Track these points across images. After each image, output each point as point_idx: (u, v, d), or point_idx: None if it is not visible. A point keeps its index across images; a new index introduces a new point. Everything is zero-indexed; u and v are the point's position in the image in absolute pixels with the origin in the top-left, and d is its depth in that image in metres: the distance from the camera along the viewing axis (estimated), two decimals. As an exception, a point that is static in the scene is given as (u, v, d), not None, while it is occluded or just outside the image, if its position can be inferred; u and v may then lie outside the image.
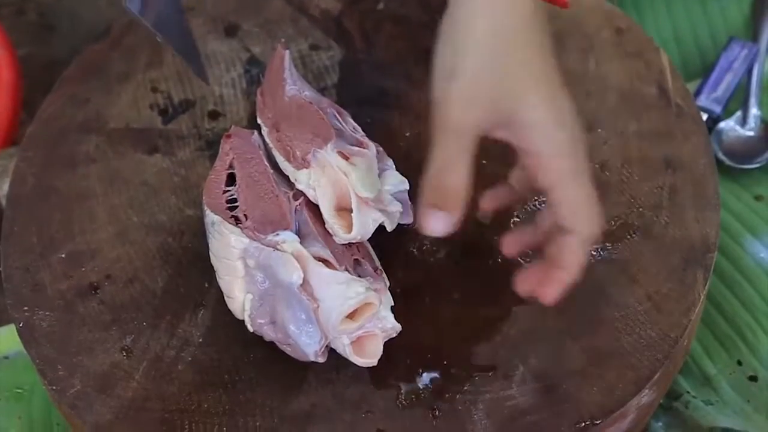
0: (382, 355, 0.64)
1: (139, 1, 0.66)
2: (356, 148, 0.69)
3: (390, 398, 0.65)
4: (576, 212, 0.58)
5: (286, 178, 0.70)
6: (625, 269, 0.70)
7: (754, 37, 0.97)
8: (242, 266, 0.66)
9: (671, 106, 0.78)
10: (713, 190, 0.73)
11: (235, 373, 0.67)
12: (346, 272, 0.65)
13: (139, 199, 0.76)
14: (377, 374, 0.66)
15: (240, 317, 0.67)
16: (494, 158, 0.76)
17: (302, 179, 0.68)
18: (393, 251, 0.70)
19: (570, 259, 0.59)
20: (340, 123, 0.72)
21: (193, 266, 0.71)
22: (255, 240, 0.66)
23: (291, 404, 0.65)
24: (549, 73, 0.58)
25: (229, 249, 0.66)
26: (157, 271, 0.72)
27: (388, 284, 0.67)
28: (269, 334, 0.66)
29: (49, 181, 0.77)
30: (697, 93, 0.93)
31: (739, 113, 0.93)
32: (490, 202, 0.67)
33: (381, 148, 0.71)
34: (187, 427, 0.64)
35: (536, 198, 0.73)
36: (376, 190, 0.67)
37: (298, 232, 0.67)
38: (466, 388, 0.65)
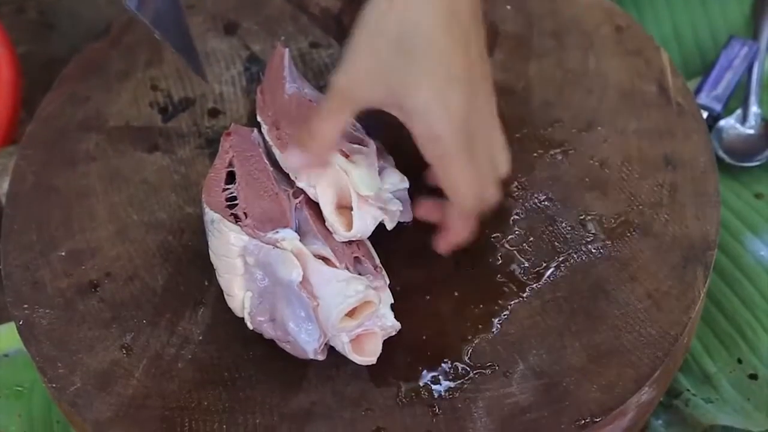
0: (381, 353, 0.65)
1: None
2: (356, 146, 0.69)
3: (390, 396, 0.65)
4: (453, 189, 0.65)
5: (286, 176, 0.70)
6: (625, 267, 0.70)
7: (755, 35, 0.97)
8: (242, 264, 0.66)
9: (671, 104, 0.78)
10: (713, 188, 0.73)
11: (235, 370, 0.67)
12: (346, 270, 0.65)
13: (139, 197, 0.76)
14: (377, 372, 0.66)
15: (240, 315, 0.67)
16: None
17: (302, 177, 0.68)
18: (393, 249, 0.70)
19: (452, 224, 0.67)
20: None
21: (193, 264, 0.71)
22: (255, 238, 0.66)
23: (291, 402, 0.65)
24: (450, 66, 0.63)
25: (229, 247, 0.66)
26: (157, 269, 0.72)
27: (387, 282, 0.67)
28: (269, 331, 0.66)
29: (48, 179, 0.77)
30: (698, 91, 0.93)
31: (739, 111, 0.93)
32: (424, 212, 0.71)
33: (381, 146, 0.71)
34: (187, 424, 0.64)
35: (536, 196, 0.73)
36: (376, 187, 0.67)
37: (297, 230, 0.67)
38: (466, 385, 0.65)
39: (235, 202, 0.68)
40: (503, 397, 0.64)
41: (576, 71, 0.80)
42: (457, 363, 0.66)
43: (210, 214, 0.68)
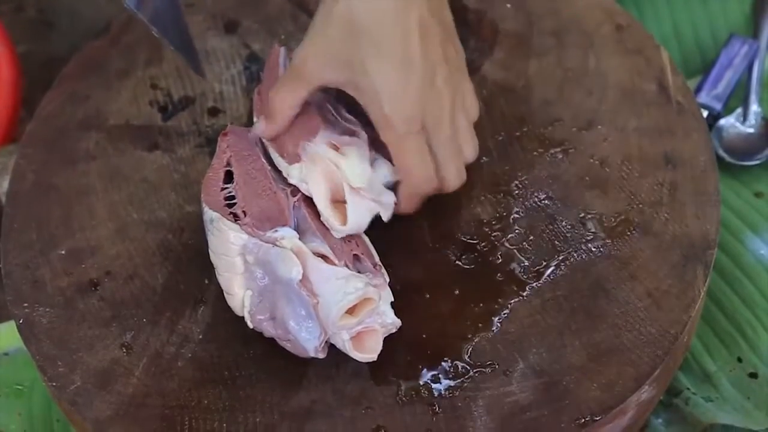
0: (381, 351, 0.65)
1: None
2: (346, 137, 0.69)
3: (390, 394, 0.65)
4: (403, 170, 0.68)
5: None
6: (626, 266, 0.70)
7: (755, 33, 0.97)
8: (241, 263, 0.66)
9: (671, 103, 0.78)
10: (713, 187, 0.73)
11: (235, 369, 0.67)
12: (346, 267, 0.65)
13: (138, 196, 0.76)
14: (377, 370, 0.66)
15: (240, 314, 0.67)
16: (494, 158, 0.76)
17: (294, 174, 0.68)
18: (393, 248, 0.70)
19: (399, 199, 0.70)
20: (334, 115, 0.71)
21: (193, 263, 0.71)
22: (254, 236, 0.66)
23: (291, 400, 0.65)
24: (403, 49, 0.65)
25: (228, 245, 0.66)
26: (156, 268, 0.72)
27: (387, 280, 0.67)
28: (269, 330, 0.66)
29: (48, 178, 0.77)
30: (698, 90, 0.93)
31: (739, 110, 0.93)
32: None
33: (375, 135, 0.70)
34: (187, 423, 0.64)
35: (536, 195, 0.73)
36: (368, 178, 0.67)
37: (296, 228, 0.67)
38: (466, 384, 0.65)
39: (234, 201, 0.68)
40: (503, 396, 0.64)
41: (576, 70, 0.80)
42: (457, 362, 0.66)
43: (209, 213, 0.68)
